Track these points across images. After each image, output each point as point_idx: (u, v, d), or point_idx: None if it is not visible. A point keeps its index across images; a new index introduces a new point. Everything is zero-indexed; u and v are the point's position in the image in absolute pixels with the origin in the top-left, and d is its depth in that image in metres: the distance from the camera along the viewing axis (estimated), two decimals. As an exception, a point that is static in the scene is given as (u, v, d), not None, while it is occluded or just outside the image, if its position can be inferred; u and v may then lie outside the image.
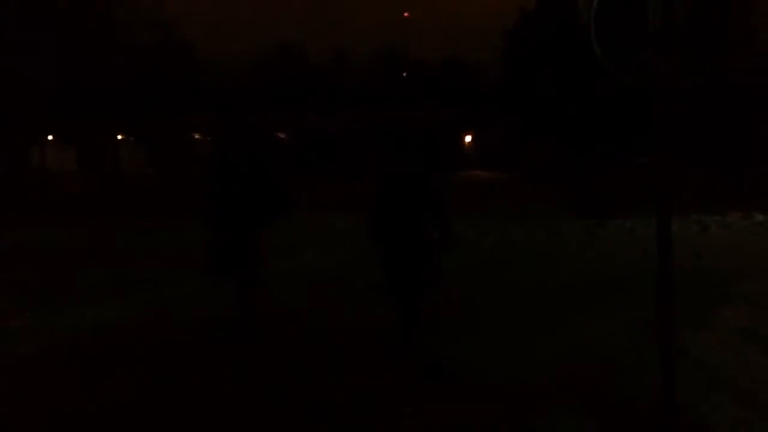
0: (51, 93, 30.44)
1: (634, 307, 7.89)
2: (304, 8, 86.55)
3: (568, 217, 18.59)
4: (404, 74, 59.36)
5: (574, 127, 34.48)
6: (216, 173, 7.32)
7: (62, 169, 40.41)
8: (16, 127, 30.96)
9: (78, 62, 31.10)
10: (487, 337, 7.31)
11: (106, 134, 39.87)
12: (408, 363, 6.38)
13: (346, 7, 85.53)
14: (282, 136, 50.01)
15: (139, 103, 37.11)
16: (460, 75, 54.38)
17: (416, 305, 6.90)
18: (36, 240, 14.62)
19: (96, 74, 31.97)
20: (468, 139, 49.55)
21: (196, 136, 51.41)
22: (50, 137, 42.69)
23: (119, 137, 43.07)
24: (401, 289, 6.80)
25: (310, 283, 10.26)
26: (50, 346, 7.20)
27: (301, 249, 13.03)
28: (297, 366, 6.47)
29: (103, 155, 41.25)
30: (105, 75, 32.17)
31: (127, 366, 6.54)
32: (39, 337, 7.56)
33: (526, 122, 39.08)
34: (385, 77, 57.32)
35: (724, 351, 6.61)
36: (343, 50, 60.35)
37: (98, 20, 32.83)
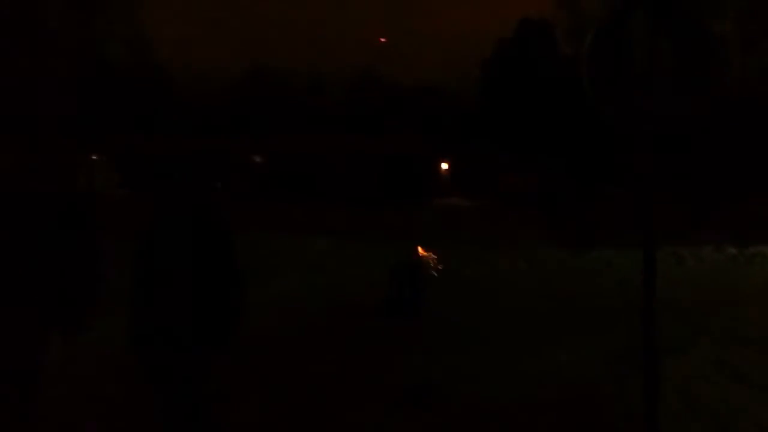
0: (21, 110, 30.10)
1: (611, 336, 8.09)
2: (281, 31, 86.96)
3: (546, 246, 18.81)
4: (381, 99, 59.75)
5: (550, 156, 34.99)
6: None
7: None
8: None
9: (52, 78, 30.96)
10: (468, 362, 7.44)
11: (79, 154, 39.56)
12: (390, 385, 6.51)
13: (324, 31, 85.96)
14: (257, 159, 50.05)
15: (116, 122, 36.96)
16: (436, 101, 54.83)
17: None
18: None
19: (70, 91, 31.84)
20: (445, 166, 49.82)
21: (172, 157, 51.20)
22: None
23: (94, 157, 42.76)
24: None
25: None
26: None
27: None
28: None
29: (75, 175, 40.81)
30: (79, 93, 32.05)
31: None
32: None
33: (503, 150, 39.53)
34: (361, 101, 57.74)
35: (702, 380, 6.82)
36: (320, 74, 60.74)
37: (73, 37, 32.77)
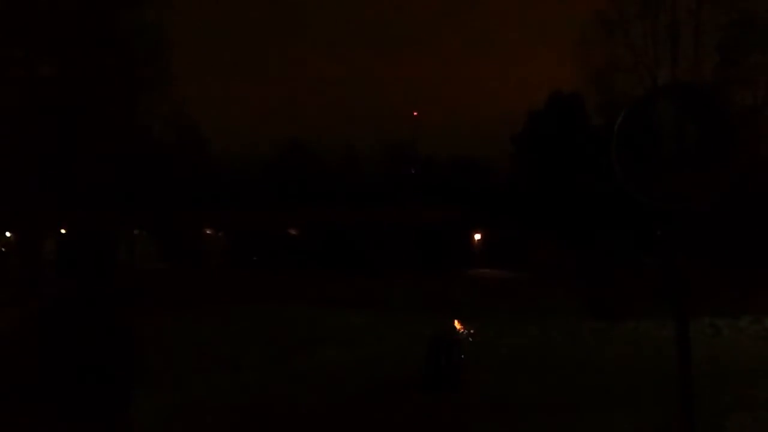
0: (66, 187, 31.07)
1: (652, 409, 8.14)
2: (316, 106, 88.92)
3: (580, 317, 18.79)
4: (413, 171, 60.53)
5: (581, 227, 35.06)
6: None
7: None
8: (26, 220, 31.57)
9: (96, 156, 32.05)
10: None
11: (122, 228, 40.49)
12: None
13: (356, 105, 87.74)
14: (293, 232, 50.72)
15: (155, 198, 37.98)
16: (468, 174, 55.37)
17: None
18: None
19: (114, 168, 32.84)
20: (477, 237, 50.04)
21: (208, 231, 52.19)
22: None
23: (135, 232, 43.94)
24: None
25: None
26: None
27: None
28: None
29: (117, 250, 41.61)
30: (124, 169, 33.03)
31: None
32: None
33: (534, 221, 39.70)
34: (394, 174, 58.57)
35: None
36: (353, 147, 61.90)
37: (120, 117, 33.99)
